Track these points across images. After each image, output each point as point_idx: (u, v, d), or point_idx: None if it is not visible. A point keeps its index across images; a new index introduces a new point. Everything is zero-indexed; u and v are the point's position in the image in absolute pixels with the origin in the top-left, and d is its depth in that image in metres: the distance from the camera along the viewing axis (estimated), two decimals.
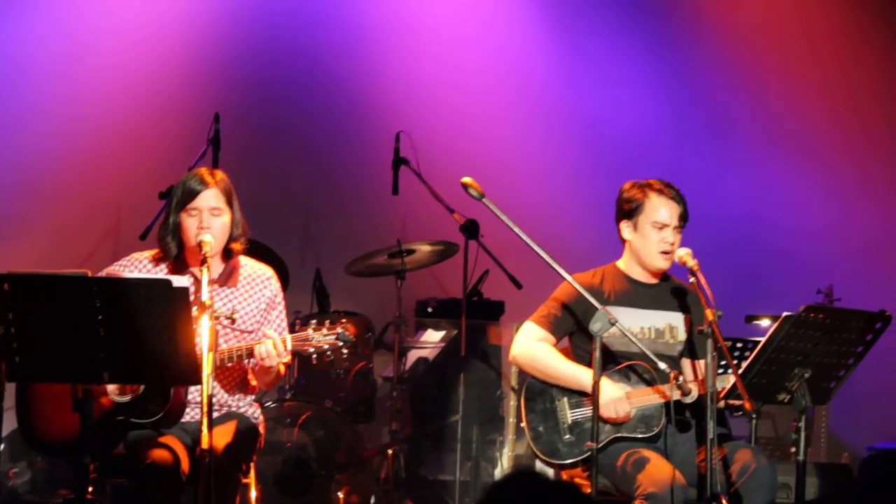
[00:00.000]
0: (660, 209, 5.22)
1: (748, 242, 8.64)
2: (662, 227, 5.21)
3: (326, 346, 4.82)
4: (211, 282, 4.62)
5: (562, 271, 4.97)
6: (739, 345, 5.55)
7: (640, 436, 5.10)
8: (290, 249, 7.86)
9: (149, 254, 5.09)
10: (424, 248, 7.24)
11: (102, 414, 4.71)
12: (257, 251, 5.40)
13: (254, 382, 5.11)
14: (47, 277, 4.36)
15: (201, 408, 4.37)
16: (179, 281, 4.33)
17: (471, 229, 6.36)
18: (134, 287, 4.33)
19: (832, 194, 8.72)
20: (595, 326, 4.81)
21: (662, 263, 5.25)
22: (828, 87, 8.88)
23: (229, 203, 5.00)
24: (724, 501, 4.67)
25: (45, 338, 4.32)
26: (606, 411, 5.04)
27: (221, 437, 4.78)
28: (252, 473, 5.15)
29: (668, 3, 9.07)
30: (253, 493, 5.20)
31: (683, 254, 5.08)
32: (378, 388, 7.54)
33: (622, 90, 8.98)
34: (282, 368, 4.95)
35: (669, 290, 5.32)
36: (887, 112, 8.87)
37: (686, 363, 5.29)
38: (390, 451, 6.88)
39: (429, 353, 7.53)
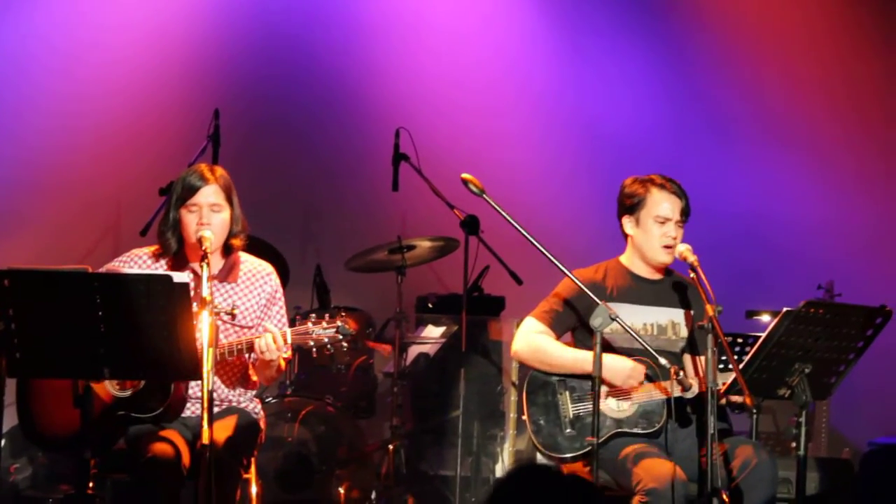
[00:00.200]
0: (662, 203, 5.22)
1: (749, 238, 8.64)
2: (664, 221, 5.21)
3: (326, 340, 4.82)
4: (211, 277, 4.63)
5: (561, 267, 4.98)
6: (740, 340, 5.54)
7: (641, 431, 5.10)
8: (290, 245, 7.86)
9: (149, 250, 5.10)
10: (425, 244, 7.24)
11: (103, 409, 4.71)
12: (257, 247, 5.40)
13: (254, 377, 5.12)
14: (48, 273, 4.36)
15: (202, 403, 4.38)
16: (180, 277, 4.33)
17: (471, 225, 6.35)
18: (134, 283, 4.33)
19: (832, 190, 8.71)
20: (595, 322, 4.81)
21: (665, 258, 5.25)
22: (827, 83, 8.88)
23: (229, 199, 5.00)
24: (724, 496, 4.67)
25: (46, 334, 4.33)
26: (623, 382, 5.05)
27: (222, 432, 4.78)
28: (253, 468, 5.16)
29: (667, 0, 9.06)
30: (253, 489, 5.20)
31: (683, 249, 5.09)
32: (379, 383, 7.55)
33: (622, 87, 8.97)
34: (282, 363, 4.95)
35: (672, 286, 5.32)
36: (887, 108, 8.87)
37: (688, 359, 5.29)
38: (391, 447, 6.88)
39: (429, 349, 7.53)
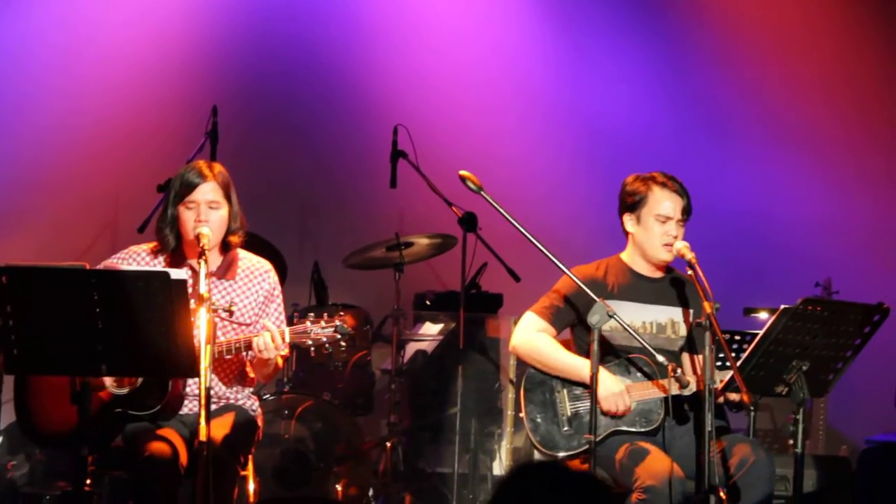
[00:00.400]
0: (663, 202, 5.21)
1: (747, 236, 8.64)
2: (666, 220, 5.20)
3: (325, 339, 4.82)
4: (209, 274, 4.63)
5: (559, 264, 4.98)
6: (738, 337, 5.55)
7: (639, 429, 5.10)
8: (288, 242, 7.85)
9: (147, 246, 5.10)
10: (422, 241, 7.24)
11: (100, 406, 4.71)
12: (255, 244, 5.40)
13: (252, 375, 5.12)
14: (45, 270, 4.36)
15: (199, 400, 4.38)
16: (177, 273, 4.33)
17: (469, 222, 6.35)
18: (132, 279, 4.33)
19: (831, 188, 8.71)
20: (593, 319, 4.81)
21: (666, 256, 5.24)
22: (827, 82, 8.88)
23: (227, 196, 5.00)
24: (722, 494, 4.68)
25: (44, 330, 4.32)
26: (606, 405, 5.04)
27: (219, 429, 4.78)
28: (250, 466, 5.16)
29: None
30: (251, 486, 5.21)
31: (681, 246, 5.09)
32: (376, 380, 7.55)
33: (620, 84, 8.97)
34: (279, 361, 4.95)
35: (672, 284, 5.32)
36: (886, 106, 8.86)
37: (686, 357, 5.29)
38: (388, 444, 6.89)
39: (427, 346, 7.52)
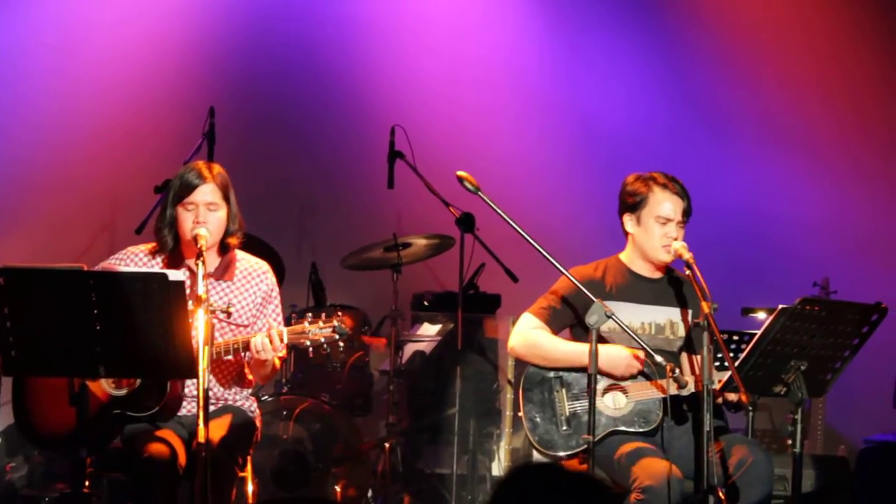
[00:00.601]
0: (663, 203, 5.20)
1: (744, 235, 8.64)
2: (666, 221, 5.19)
3: (323, 339, 4.82)
4: (207, 276, 4.62)
5: (557, 264, 4.98)
6: (736, 337, 5.54)
7: (637, 430, 5.10)
8: (285, 243, 7.86)
9: (145, 247, 5.09)
10: (420, 242, 7.24)
11: (99, 408, 4.71)
12: (252, 245, 5.40)
13: (250, 376, 5.11)
14: (43, 271, 4.36)
15: (197, 402, 4.38)
16: (175, 275, 4.33)
17: (466, 223, 6.35)
18: (130, 281, 4.33)
19: (828, 188, 8.72)
20: (591, 319, 4.81)
21: (666, 257, 5.23)
22: (824, 82, 8.88)
23: (226, 197, 5.00)
24: (720, 494, 4.68)
25: (41, 332, 4.32)
26: (621, 372, 5.05)
27: (218, 430, 4.78)
28: (249, 467, 5.16)
29: None
30: (250, 487, 5.21)
31: (679, 246, 5.09)
32: (375, 381, 7.55)
33: (618, 84, 8.97)
34: (277, 362, 4.94)
35: (670, 284, 5.32)
36: (883, 105, 8.87)
37: (684, 358, 5.29)
38: (387, 445, 6.88)
39: (425, 347, 7.52)
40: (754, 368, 4.75)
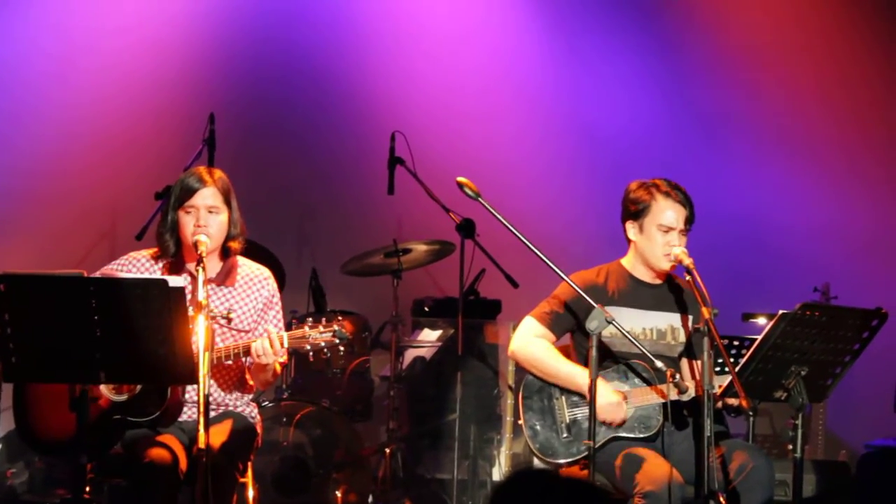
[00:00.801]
0: (666, 212, 5.18)
1: (745, 241, 8.64)
2: (668, 230, 5.17)
3: (323, 344, 4.82)
4: (208, 281, 4.63)
5: (557, 270, 4.98)
6: (736, 343, 5.55)
7: (638, 435, 5.10)
8: (286, 249, 7.86)
9: (147, 252, 5.10)
10: (420, 248, 7.24)
11: (99, 413, 4.71)
12: (253, 251, 5.40)
13: (251, 382, 5.11)
14: (43, 278, 4.36)
15: (198, 407, 4.38)
16: (176, 281, 4.33)
17: (467, 228, 6.35)
18: (130, 287, 4.33)
19: (829, 192, 8.72)
20: (591, 324, 4.80)
21: (667, 265, 5.22)
22: (823, 85, 8.89)
23: (227, 202, 5.00)
24: (721, 499, 4.67)
25: (42, 338, 4.32)
26: (602, 415, 5.03)
27: (218, 436, 4.78)
28: (249, 473, 5.15)
29: (663, 2, 9.07)
30: (250, 493, 5.20)
31: (679, 252, 5.09)
32: (375, 386, 7.55)
33: (618, 89, 8.97)
34: (277, 368, 4.94)
35: (670, 290, 5.32)
36: (883, 109, 8.88)
37: (685, 363, 5.29)
38: (388, 450, 6.88)
39: (426, 352, 7.52)
40: (755, 374, 4.75)
